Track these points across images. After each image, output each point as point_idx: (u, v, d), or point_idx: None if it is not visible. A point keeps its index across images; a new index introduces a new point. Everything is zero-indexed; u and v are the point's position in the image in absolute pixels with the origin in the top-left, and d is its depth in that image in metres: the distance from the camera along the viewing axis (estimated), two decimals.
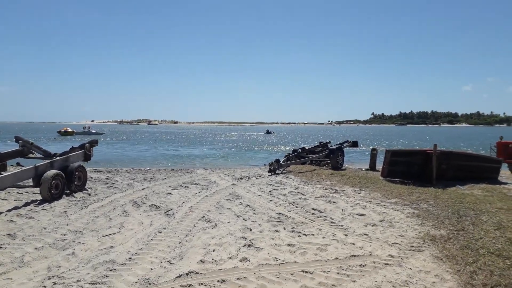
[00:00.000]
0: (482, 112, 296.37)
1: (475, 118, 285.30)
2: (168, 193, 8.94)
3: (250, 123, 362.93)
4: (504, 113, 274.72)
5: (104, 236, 5.60)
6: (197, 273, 4.26)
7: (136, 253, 4.88)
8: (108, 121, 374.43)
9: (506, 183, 11.25)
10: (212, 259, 4.71)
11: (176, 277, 4.13)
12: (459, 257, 4.67)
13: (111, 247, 5.14)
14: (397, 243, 5.32)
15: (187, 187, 9.91)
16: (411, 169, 11.23)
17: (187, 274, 4.22)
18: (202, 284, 3.99)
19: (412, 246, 5.18)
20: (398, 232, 5.86)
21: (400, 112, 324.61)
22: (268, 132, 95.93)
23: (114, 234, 5.73)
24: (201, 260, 4.64)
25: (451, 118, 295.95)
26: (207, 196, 8.66)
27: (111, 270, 4.31)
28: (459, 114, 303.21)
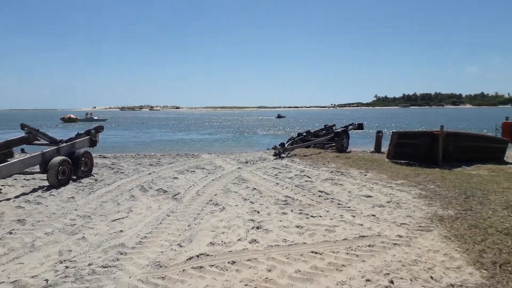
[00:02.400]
0: (486, 93, 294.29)
1: (479, 99, 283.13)
2: (175, 178, 8.97)
3: (252, 107, 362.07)
4: (508, 94, 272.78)
5: (113, 221, 5.63)
6: (208, 255, 4.28)
7: (145, 237, 4.91)
8: (110, 107, 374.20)
9: (511, 163, 11.21)
10: (222, 241, 4.73)
11: (187, 259, 4.15)
12: (467, 236, 4.68)
13: (121, 231, 5.17)
14: (405, 224, 5.32)
15: (193, 171, 9.94)
16: (417, 150, 11.18)
17: (197, 256, 4.24)
18: (213, 265, 4.02)
19: (420, 226, 5.19)
20: (406, 213, 5.86)
21: (403, 94, 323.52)
22: (279, 116, 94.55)
23: (122, 218, 5.76)
24: (210, 243, 4.67)
25: (455, 99, 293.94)
26: (213, 180, 8.68)
27: (121, 254, 4.34)
28: (463, 95, 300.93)
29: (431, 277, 3.67)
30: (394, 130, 12.05)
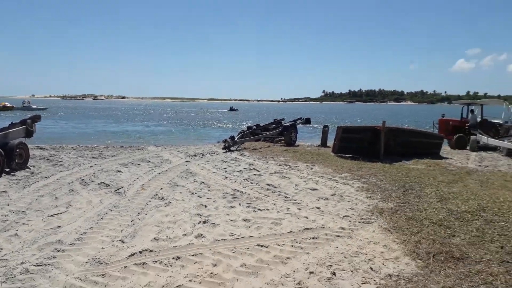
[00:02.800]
0: (426, 90, 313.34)
1: (419, 97, 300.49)
2: (118, 171, 8.63)
3: (203, 99, 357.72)
4: (445, 92, 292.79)
5: (50, 216, 5.32)
6: (151, 251, 4.18)
7: (85, 233, 4.69)
8: (50, 96, 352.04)
9: (447, 158, 12.02)
10: (167, 236, 4.64)
11: (129, 256, 4.03)
12: (405, 228, 4.93)
13: (58, 227, 4.90)
14: (347, 216, 5.52)
15: (138, 164, 9.62)
16: (360, 145, 11.64)
17: (140, 252, 4.13)
18: (156, 261, 3.93)
19: (362, 219, 5.40)
20: (349, 206, 6.07)
21: (349, 90, 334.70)
22: (232, 109, 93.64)
23: (61, 213, 5.46)
24: (155, 238, 4.56)
25: (397, 96, 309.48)
26: (159, 173, 8.46)
27: (58, 251, 4.11)
28: (405, 93, 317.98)
29: (371, 268, 3.83)
30: (339, 125, 12.43)
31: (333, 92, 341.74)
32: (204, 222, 5.20)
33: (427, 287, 3.40)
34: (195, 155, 11.40)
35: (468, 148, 15.01)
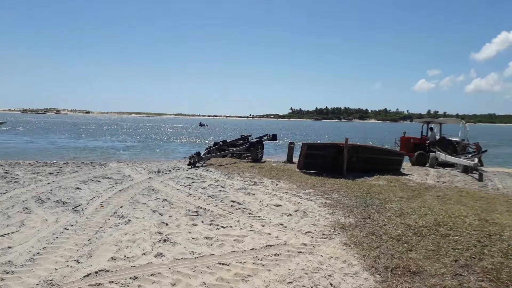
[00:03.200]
0: (389, 109, 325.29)
1: (383, 115, 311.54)
2: (77, 188, 8.32)
3: (170, 114, 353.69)
4: (407, 110, 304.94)
5: (0, 236, 5.03)
6: (108, 271, 4.03)
7: (38, 253, 4.47)
8: (10, 110, 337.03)
9: (407, 174, 12.43)
10: (125, 256, 4.49)
11: (84, 276, 3.87)
12: (365, 243, 5.02)
13: (9, 247, 4.64)
14: (310, 232, 5.55)
15: (99, 181, 9.31)
16: (324, 161, 11.85)
17: (96, 272, 3.98)
18: (113, 282, 3.79)
19: (324, 234, 5.45)
20: (311, 221, 6.12)
21: (316, 107, 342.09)
22: (201, 124, 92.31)
23: (12, 233, 5.18)
24: (112, 258, 4.41)
25: (362, 114, 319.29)
26: (120, 190, 8.22)
27: (7, 273, 3.89)
28: (369, 111, 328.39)
29: (331, 284, 3.85)
30: (303, 142, 12.62)
31: (300, 109, 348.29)
32: (165, 240, 5.08)
33: None
34: (158, 172, 11.18)
35: (427, 165, 15.59)
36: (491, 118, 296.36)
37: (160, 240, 5.07)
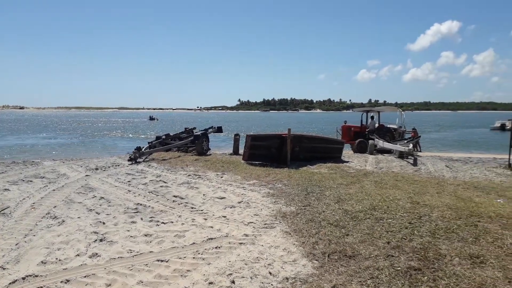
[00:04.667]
0: (333, 99, 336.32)
1: (327, 105, 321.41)
2: (6, 189, 7.72)
3: (112, 108, 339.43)
4: (350, 100, 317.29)
5: None
6: (36, 276, 3.79)
7: None
8: None
9: (347, 162, 12.89)
10: (56, 258, 4.25)
11: (10, 283, 3.62)
12: (304, 230, 5.12)
13: None
14: (252, 222, 5.58)
15: (30, 181, 8.70)
16: (269, 152, 11.97)
17: (23, 278, 3.73)
18: (42, 287, 3.57)
19: (266, 224, 5.50)
20: (254, 212, 6.15)
21: (263, 99, 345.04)
22: (151, 118, 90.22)
23: None
24: (42, 261, 4.15)
25: (308, 104, 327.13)
26: (54, 190, 7.74)
27: None
28: (314, 101, 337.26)
29: (270, 273, 3.88)
30: (248, 133, 12.65)
31: (248, 101, 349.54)
32: (101, 240, 4.86)
33: (321, 287, 3.53)
34: (96, 169, 10.67)
35: (367, 152, 16.31)
36: (426, 106, 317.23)
37: (96, 240, 4.85)
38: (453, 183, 8.70)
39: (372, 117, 19.22)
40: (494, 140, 34.64)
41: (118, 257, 4.30)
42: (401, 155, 14.38)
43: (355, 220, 5.45)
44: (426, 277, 3.64)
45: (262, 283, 3.67)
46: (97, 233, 5.13)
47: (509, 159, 12.30)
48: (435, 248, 4.37)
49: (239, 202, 6.80)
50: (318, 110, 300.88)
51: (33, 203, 6.64)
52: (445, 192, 7.52)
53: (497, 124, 50.90)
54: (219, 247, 4.60)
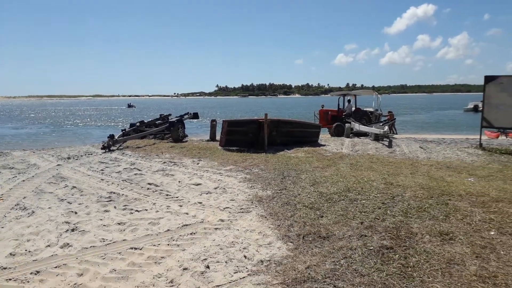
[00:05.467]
0: (311, 83, 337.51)
1: (306, 89, 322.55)
2: None
3: (87, 96, 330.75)
4: (328, 84, 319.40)
5: None
6: (5, 268, 3.69)
7: None
8: None
9: (324, 145, 13.00)
10: (26, 250, 4.13)
11: None
12: (280, 213, 5.14)
13: None
14: (228, 207, 5.55)
15: None
16: (246, 137, 11.93)
17: None
18: (10, 279, 3.47)
19: (242, 209, 5.48)
20: (230, 197, 6.13)
21: (242, 84, 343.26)
22: (130, 105, 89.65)
23: None
24: (10, 254, 4.03)
25: (286, 89, 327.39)
26: (23, 181, 7.49)
27: None
28: (293, 86, 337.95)
29: (245, 256, 3.88)
30: (224, 119, 12.56)
31: (226, 86, 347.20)
32: (73, 230, 4.75)
33: (294, 268, 3.55)
34: (69, 158, 10.37)
35: (344, 135, 16.49)
36: (403, 89, 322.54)
37: (67, 230, 4.74)
38: (426, 164, 8.90)
39: (349, 101, 19.39)
40: (467, 121, 35.67)
41: (91, 246, 4.21)
42: (377, 138, 14.60)
43: (330, 202, 5.50)
44: (397, 255, 3.72)
45: (237, 266, 3.66)
46: (68, 223, 5.01)
47: (480, 139, 12.66)
48: (407, 227, 4.47)
49: (215, 188, 6.76)
50: (297, 95, 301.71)
51: (1, 195, 6.42)
52: (418, 173, 7.69)
53: (470, 106, 52.56)
54: (194, 233, 4.56)
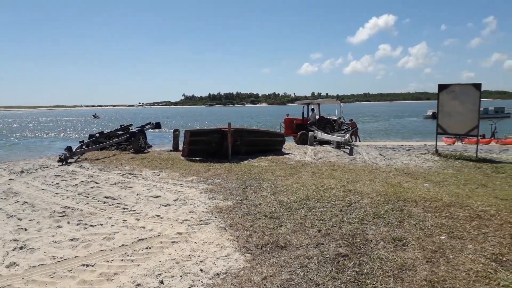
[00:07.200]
0: (278, 92, 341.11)
1: (273, 98, 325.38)
2: None
3: (47, 106, 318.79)
4: (294, 93, 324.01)
5: None
6: None
7: None
8: None
9: (288, 154, 13.11)
10: None
11: None
12: (239, 224, 5.10)
13: None
14: (187, 220, 5.46)
15: None
16: (209, 147, 11.84)
17: None
18: None
19: (201, 221, 5.40)
20: (190, 209, 6.03)
21: (209, 93, 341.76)
22: (95, 116, 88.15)
23: None
24: None
25: (254, 98, 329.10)
26: None
27: None
28: (260, 95, 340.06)
29: (201, 270, 3.81)
30: (186, 129, 12.40)
31: (193, 95, 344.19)
32: (21, 248, 4.52)
33: (251, 280, 3.52)
34: (22, 172, 9.90)
35: (308, 143, 16.71)
36: (366, 97, 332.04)
37: (15, 248, 4.51)
38: (385, 170, 9.14)
39: (312, 110, 19.71)
40: (426, 128, 37.15)
41: (39, 265, 4.02)
42: (338, 146, 14.88)
43: (289, 211, 5.53)
44: (352, 263, 3.77)
45: (192, 280, 3.59)
46: (17, 240, 4.76)
47: (436, 145, 13.18)
48: (362, 233, 4.55)
49: (175, 200, 6.64)
50: (264, 104, 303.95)
51: None
52: (377, 179, 7.87)
53: (429, 113, 54.78)
54: (149, 248, 4.45)
